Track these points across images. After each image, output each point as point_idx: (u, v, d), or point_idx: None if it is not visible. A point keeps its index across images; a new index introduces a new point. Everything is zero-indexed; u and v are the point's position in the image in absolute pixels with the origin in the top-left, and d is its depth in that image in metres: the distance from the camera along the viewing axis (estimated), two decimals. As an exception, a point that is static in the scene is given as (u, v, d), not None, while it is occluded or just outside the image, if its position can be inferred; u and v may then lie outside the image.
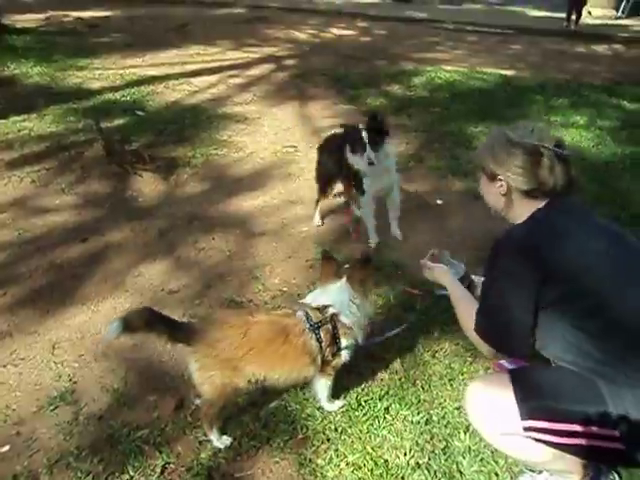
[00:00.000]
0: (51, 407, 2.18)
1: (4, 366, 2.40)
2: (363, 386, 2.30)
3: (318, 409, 2.18)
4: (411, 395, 2.25)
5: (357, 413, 2.16)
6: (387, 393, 2.25)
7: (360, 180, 3.19)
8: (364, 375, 2.36)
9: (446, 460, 1.98)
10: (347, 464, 1.96)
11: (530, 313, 1.54)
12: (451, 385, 2.30)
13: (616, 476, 1.81)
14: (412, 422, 2.12)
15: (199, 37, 9.45)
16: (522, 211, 1.67)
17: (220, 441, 2.02)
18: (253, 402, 2.21)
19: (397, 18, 12.80)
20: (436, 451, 2.01)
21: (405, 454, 2.00)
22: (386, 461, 1.97)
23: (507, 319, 1.60)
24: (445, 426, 2.11)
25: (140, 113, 5.50)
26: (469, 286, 2.03)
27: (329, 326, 1.98)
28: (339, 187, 3.57)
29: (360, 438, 2.06)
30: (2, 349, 2.50)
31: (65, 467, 1.94)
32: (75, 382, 2.32)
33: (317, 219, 3.61)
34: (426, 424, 2.12)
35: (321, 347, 1.97)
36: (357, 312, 2.02)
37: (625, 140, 5.12)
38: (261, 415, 2.15)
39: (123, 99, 5.94)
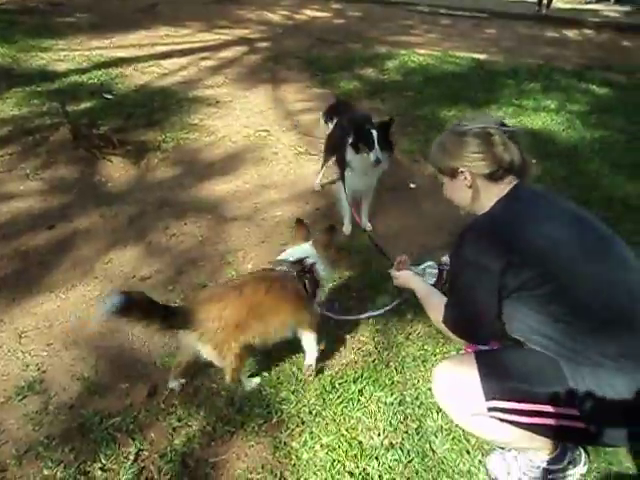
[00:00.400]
0: (19, 397, 2.12)
1: (-31, 356, 2.33)
2: (337, 369, 2.31)
3: (293, 392, 2.18)
4: (385, 377, 2.27)
5: (331, 396, 2.17)
6: (361, 376, 2.27)
7: (344, 173, 3.20)
8: (338, 358, 2.38)
9: (419, 440, 2.01)
10: (321, 446, 1.97)
11: (495, 301, 1.55)
12: (424, 366, 2.33)
13: (582, 451, 1.87)
14: (386, 403, 2.15)
15: (169, 18, 9.21)
16: (490, 197, 1.67)
17: (252, 384, 2.18)
18: (227, 387, 2.20)
19: (372, 0, 12.69)
20: (409, 431, 2.04)
21: (379, 435, 2.02)
22: (360, 442, 1.99)
23: (474, 310, 1.63)
24: (418, 407, 2.14)
25: (108, 96, 5.34)
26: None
27: (309, 275, 2.15)
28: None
29: (334, 420, 2.07)
30: (-34, 339, 2.43)
31: (35, 457, 1.90)
32: (44, 371, 2.27)
33: (317, 182, 3.86)
34: (399, 405, 2.14)
35: (307, 293, 2.12)
36: (324, 270, 2.22)
37: (594, 124, 5.21)
38: (235, 400, 2.14)
39: (90, 82, 5.76)
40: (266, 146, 4.53)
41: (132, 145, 4.28)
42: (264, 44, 7.99)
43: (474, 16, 11.44)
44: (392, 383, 2.24)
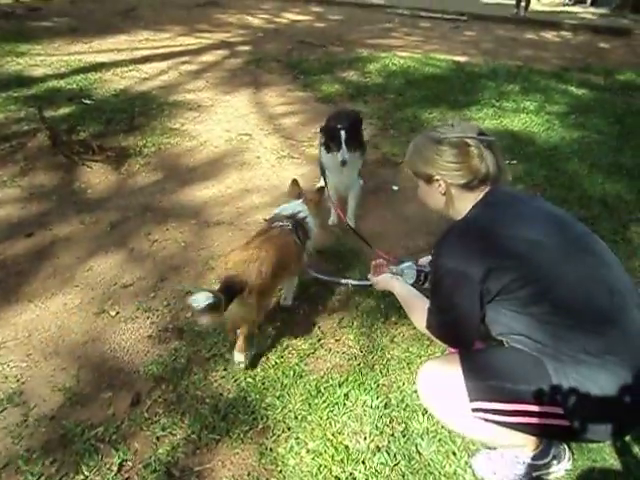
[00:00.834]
0: (-2, 410, 2.08)
1: (-55, 369, 2.27)
2: (322, 373, 2.30)
3: (278, 398, 2.17)
4: (370, 380, 2.27)
5: (317, 400, 2.16)
6: (346, 379, 2.26)
7: (324, 171, 3.24)
8: (323, 362, 2.37)
9: (405, 442, 2.00)
10: (308, 451, 1.96)
11: (478, 307, 1.56)
12: (409, 369, 2.33)
13: (566, 447, 1.89)
14: (371, 407, 2.14)
15: (148, 22, 9.15)
16: (464, 204, 1.69)
17: (241, 359, 2.25)
18: (212, 394, 2.18)
19: (352, 3, 12.76)
20: (395, 434, 2.04)
21: (365, 438, 2.02)
22: (347, 446, 1.98)
23: (455, 316, 1.63)
24: (404, 409, 2.14)
25: (87, 101, 5.27)
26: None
27: (301, 227, 2.45)
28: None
29: (320, 425, 2.06)
30: (-58, 351, 2.37)
31: (14, 471, 1.86)
32: (23, 382, 2.22)
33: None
34: (385, 408, 2.14)
35: (301, 242, 2.42)
36: (313, 224, 2.55)
37: (573, 125, 5.28)
38: (220, 407, 2.12)
39: (68, 87, 5.69)
40: (248, 150, 4.51)
41: (112, 151, 4.22)
42: (245, 48, 7.97)
43: (453, 19, 11.55)
44: (377, 386, 2.24)
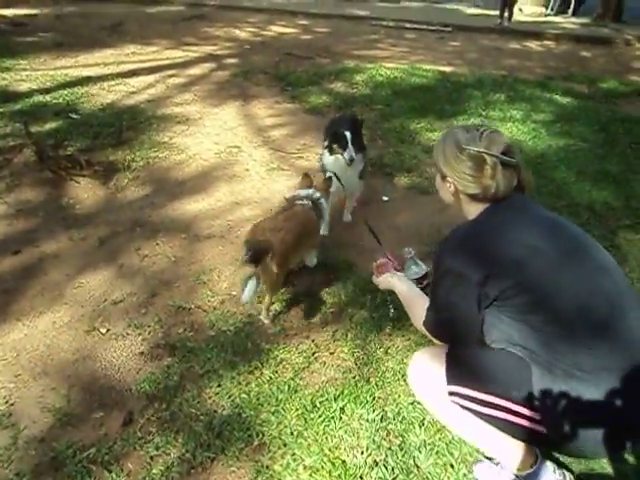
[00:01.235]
0: (-14, 433, 2.03)
1: None
2: (317, 387, 2.28)
3: (273, 413, 2.14)
4: (366, 393, 2.25)
5: (312, 415, 2.13)
6: (342, 393, 2.24)
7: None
8: (318, 376, 2.35)
9: (403, 456, 1.99)
10: (304, 468, 1.93)
11: (476, 310, 1.56)
12: (404, 380, 2.31)
13: (568, 474, 1.84)
14: (368, 420, 2.12)
15: (135, 36, 9.15)
16: (470, 209, 1.74)
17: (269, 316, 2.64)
18: (206, 411, 2.14)
19: (338, 15, 12.87)
20: (393, 447, 2.02)
21: (362, 453, 1.99)
22: (344, 462, 1.95)
23: (451, 316, 1.65)
24: (400, 422, 2.12)
25: (74, 116, 5.24)
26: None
27: (317, 205, 2.80)
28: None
29: (317, 440, 2.03)
30: None
31: (4, 496, 1.82)
32: (12, 404, 2.17)
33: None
34: (382, 421, 2.12)
35: (318, 220, 2.80)
36: (325, 205, 2.91)
37: (559, 133, 5.34)
38: (214, 424, 2.09)
39: (55, 101, 5.65)
40: (237, 163, 4.50)
41: (100, 165, 4.19)
42: (232, 60, 7.99)
43: (438, 29, 11.68)
44: (373, 399, 2.22)
